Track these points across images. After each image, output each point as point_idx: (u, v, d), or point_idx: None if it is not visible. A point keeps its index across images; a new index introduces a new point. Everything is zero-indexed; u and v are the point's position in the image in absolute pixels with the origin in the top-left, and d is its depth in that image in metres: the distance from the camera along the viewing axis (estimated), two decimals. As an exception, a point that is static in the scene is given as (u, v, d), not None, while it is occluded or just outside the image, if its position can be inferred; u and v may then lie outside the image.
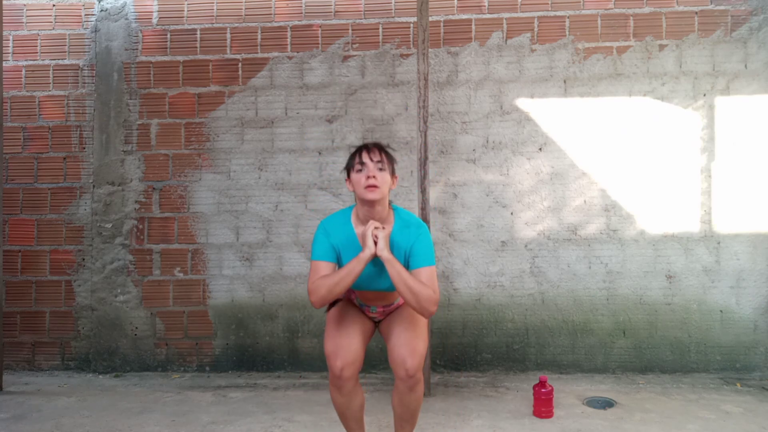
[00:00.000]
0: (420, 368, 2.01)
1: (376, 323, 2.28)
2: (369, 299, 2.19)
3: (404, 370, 1.98)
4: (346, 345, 2.03)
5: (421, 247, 2.03)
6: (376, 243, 1.97)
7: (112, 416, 2.83)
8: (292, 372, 3.56)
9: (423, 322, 2.17)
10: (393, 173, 2.09)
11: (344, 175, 2.15)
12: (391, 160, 2.09)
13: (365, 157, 2.03)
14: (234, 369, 3.61)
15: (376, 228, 1.99)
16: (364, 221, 2.06)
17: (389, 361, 2.06)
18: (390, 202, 2.12)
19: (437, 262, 3.51)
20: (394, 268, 1.94)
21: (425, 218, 3.00)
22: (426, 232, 2.08)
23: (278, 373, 3.57)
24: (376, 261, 2.01)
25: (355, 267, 1.95)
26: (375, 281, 2.08)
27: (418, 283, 1.95)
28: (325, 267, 2.04)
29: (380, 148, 2.06)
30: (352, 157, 2.07)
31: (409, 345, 2.02)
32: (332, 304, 2.25)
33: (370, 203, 2.01)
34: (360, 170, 2.02)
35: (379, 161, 2.03)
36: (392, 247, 2.03)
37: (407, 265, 2.05)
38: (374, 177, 1.99)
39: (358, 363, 2.04)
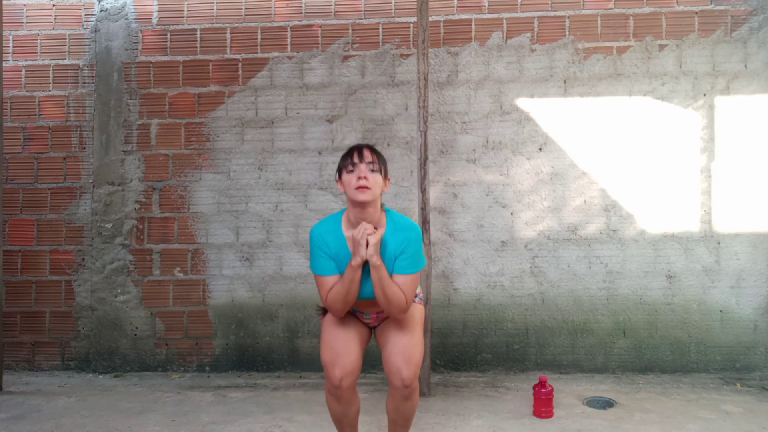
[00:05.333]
0: (416, 377, 1.99)
1: (372, 328, 2.26)
2: (362, 306, 2.16)
3: (400, 380, 1.96)
4: (344, 353, 2.02)
5: (409, 254, 2.01)
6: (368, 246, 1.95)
7: (112, 416, 2.83)
8: (292, 372, 3.56)
9: (419, 329, 2.14)
10: (385, 175, 2.06)
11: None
12: (383, 162, 2.06)
13: (356, 158, 2.00)
14: (234, 369, 3.61)
15: (368, 231, 1.96)
16: (355, 224, 2.02)
17: (384, 369, 2.04)
18: (382, 205, 2.08)
19: (437, 263, 3.51)
20: (378, 274, 1.95)
21: (425, 218, 3.00)
22: (418, 237, 2.04)
23: (278, 373, 3.57)
24: (367, 266, 1.99)
25: (353, 275, 1.96)
26: (366, 287, 2.04)
27: (394, 290, 1.96)
28: (330, 281, 2.03)
29: (372, 150, 2.04)
30: (344, 158, 2.04)
31: (405, 353, 2.00)
32: (327, 310, 2.23)
33: (362, 205, 1.98)
34: (351, 171, 1.99)
35: (371, 162, 2.00)
36: (383, 250, 2.01)
37: (393, 268, 2.02)
38: (366, 178, 1.96)
39: (357, 372, 2.03)
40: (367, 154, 2.01)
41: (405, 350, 2.01)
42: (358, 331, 2.14)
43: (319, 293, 2.07)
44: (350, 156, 2.02)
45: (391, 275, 1.99)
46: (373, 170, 1.99)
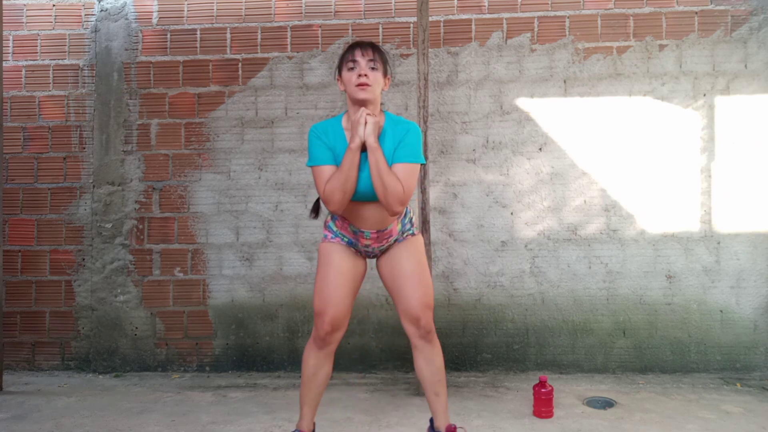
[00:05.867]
0: (432, 319, 2.11)
1: (371, 257, 2.25)
2: (362, 218, 2.12)
3: (422, 328, 2.08)
4: (334, 300, 2.07)
5: (408, 142, 2.02)
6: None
7: (112, 416, 2.83)
8: (292, 372, 3.56)
9: (426, 267, 2.19)
10: (386, 74, 2.06)
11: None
12: (384, 60, 2.06)
13: (358, 55, 1.99)
14: (234, 369, 3.61)
15: (366, 112, 1.96)
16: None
17: (401, 318, 2.12)
18: (382, 105, 2.08)
19: (437, 263, 3.51)
20: (374, 156, 1.94)
21: (425, 218, 3.00)
22: (417, 131, 2.06)
23: (278, 373, 3.57)
24: (365, 159, 1.99)
25: (353, 158, 1.95)
26: (364, 181, 2.02)
27: (392, 178, 1.95)
28: (328, 170, 2.02)
29: (374, 47, 2.03)
30: (344, 54, 2.03)
31: (423, 300, 2.08)
32: (318, 211, 2.27)
33: (362, 102, 1.99)
34: (352, 68, 1.99)
35: (371, 60, 1.99)
36: (381, 141, 2.02)
37: (392, 158, 2.02)
38: (366, 75, 1.96)
39: (346, 321, 2.11)
40: (368, 51, 2.00)
41: (422, 297, 2.09)
42: (351, 274, 2.15)
43: (317, 187, 2.05)
44: (351, 53, 2.01)
45: (390, 167, 2.00)
46: (373, 68, 1.99)
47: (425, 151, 3.01)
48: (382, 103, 2.11)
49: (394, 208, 1.99)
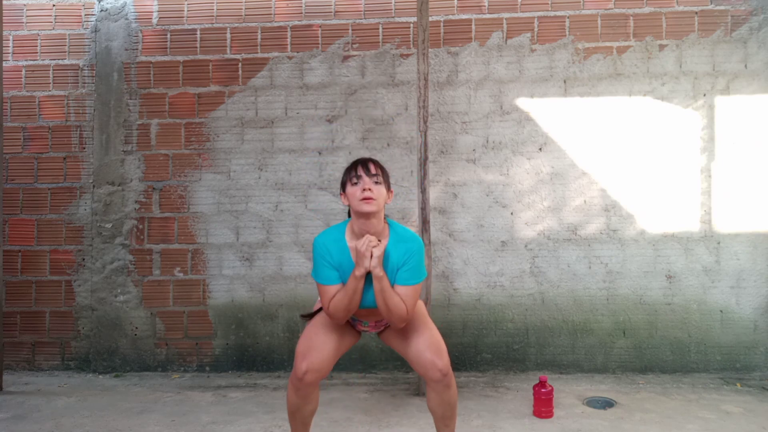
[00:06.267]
0: (449, 364, 2.07)
1: (361, 334, 2.29)
2: (362, 315, 2.18)
3: (438, 371, 2.02)
4: (317, 349, 2.06)
5: (410, 265, 2.04)
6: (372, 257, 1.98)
7: (112, 416, 2.83)
8: (292, 372, 3.56)
9: (431, 321, 2.20)
10: (389, 188, 2.10)
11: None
12: (386, 175, 2.10)
13: (361, 171, 2.03)
14: (234, 369, 3.61)
15: (372, 243, 1.98)
16: (359, 235, 2.04)
17: (417, 368, 2.09)
18: (385, 216, 2.12)
19: (437, 263, 3.51)
20: (380, 284, 1.98)
21: (425, 218, 3.00)
22: (420, 249, 2.07)
23: (278, 373, 3.57)
24: (369, 277, 2.02)
25: (357, 285, 1.99)
26: (367, 297, 2.07)
27: (396, 300, 2.00)
28: (333, 289, 2.05)
29: (376, 163, 2.07)
30: (348, 171, 2.07)
31: (433, 346, 2.06)
32: (312, 317, 2.26)
33: (366, 216, 2.01)
34: (356, 183, 2.02)
35: (375, 175, 2.03)
36: (385, 261, 2.04)
37: (395, 278, 2.05)
38: (370, 189, 1.99)
39: (324, 371, 2.06)
40: (371, 167, 2.05)
41: (432, 344, 2.07)
42: (342, 337, 2.17)
43: (321, 302, 2.11)
44: (354, 169, 2.05)
45: (392, 285, 2.03)
46: (377, 182, 2.03)
47: (425, 151, 3.01)
48: (386, 215, 2.14)
49: (397, 325, 2.06)
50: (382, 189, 2.04)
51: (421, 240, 2.13)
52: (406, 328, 2.14)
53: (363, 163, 2.05)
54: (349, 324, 2.25)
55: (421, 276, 2.07)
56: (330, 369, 2.11)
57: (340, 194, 2.11)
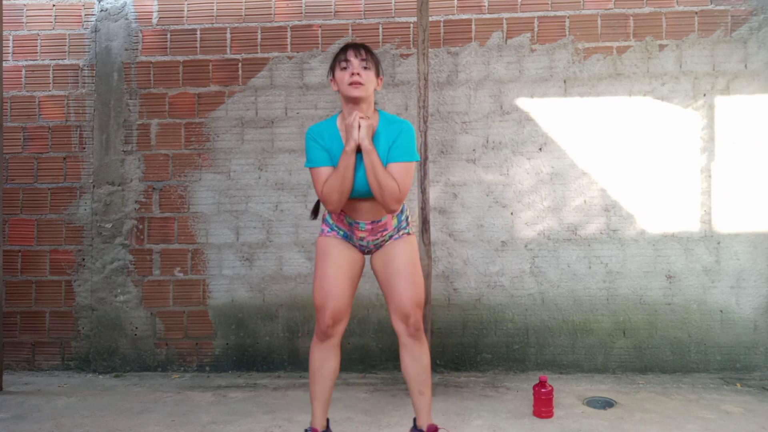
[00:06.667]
0: (421, 318, 2.15)
1: (365, 253, 2.29)
2: (358, 211, 2.17)
3: (411, 326, 2.12)
4: (334, 296, 2.12)
5: (402, 142, 2.07)
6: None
7: (112, 416, 2.83)
8: (292, 372, 3.56)
9: (419, 266, 2.23)
10: (378, 74, 2.12)
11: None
12: (376, 61, 2.12)
13: (350, 55, 2.05)
14: (234, 369, 3.61)
15: (360, 116, 2.02)
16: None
17: (391, 315, 2.16)
18: (375, 104, 2.15)
19: (437, 263, 3.51)
20: (369, 158, 2.00)
21: (425, 218, 3.00)
22: (410, 129, 2.11)
23: (278, 373, 3.57)
24: (361, 157, 2.05)
25: (348, 161, 2.01)
26: (360, 179, 2.08)
27: (388, 178, 2.01)
28: (325, 171, 2.08)
29: (365, 48, 2.09)
30: (337, 55, 2.10)
31: (412, 299, 2.12)
32: (317, 212, 2.33)
33: (355, 101, 2.04)
34: (345, 68, 2.05)
35: (363, 60, 2.06)
36: (376, 141, 2.08)
37: (387, 158, 2.08)
38: (359, 74, 2.02)
39: (346, 318, 2.16)
40: (360, 51, 2.07)
41: (412, 296, 2.13)
42: (350, 266, 2.20)
43: (315, 187, 2.12)
44: (343, 53, 2.07)
45: (385, 166, 2.06)
46: (365, 67, 2.05)
47: (425, 151, 3.01)
48: (376, 102, 2.17)
49: (391, 206, 2.06)
50: (371, 74, 2.06)
51: (411, 124, 2.17)
52: (395, 265, 2.17)
53: (354, 48, 2.07)
54: (348, 243, 2.24)
55: (413, 156, 2.09)
56: (350, 309, 2.19)
57: (330, 80, 2.14)
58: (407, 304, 2.12)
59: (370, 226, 2.19)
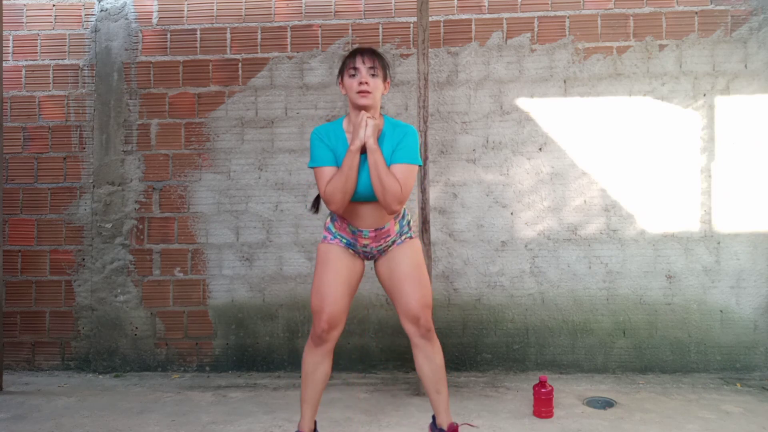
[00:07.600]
0: (431, 318, 2.18)
1: (368, 259, 2.30)
2: (360, 217, 2.18)
3: (421, 326, 2.15)
4: (332, 302, 2.13)
5: (405, 145, 2.10)
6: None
7: (112, 416, 2.83)
8: (292, 372, 3.56)
9: (425, 269, 2.26)
10: (386, 78, 2.15)
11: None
12: (384, 66, 2.15)
13: (359, 62, 2.08)
14: (234, 369, 3.61)
15: (367, 115, 2.05)
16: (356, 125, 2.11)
17: (400, 318, 2.18)
18: (381, 107, 2.19)
19: (437, 263, 3.51)
20: (374, 157, 2.02)
21: (425, 218, 3.00)
22: (414, 134, 2.14)
23: (278, 373, 3.57)
24: (365, 162, 2.08)
25: (353, 160, 2.03)
26: (364, 182, 2.10)
27: (391, 177, 2.03)
28: (329, 171, 2.10)
29: (374, 54, 2.11)
30: (346, 61, 2.12)
31: (420, 301, 2.15)
32: (318, 208, 2.35)
33: (362, 108, 2.08)
34: (353, 75, 2.08)
35: (371, 67, 2.08)
36: (381, 143, 2.10)
37: (391, 160, 2.11)
38: (366, 83, 2.05)
39: (342, 323, 2.17)
40: (368, 58, 2.09)
41: (420, 298, 2.15)
42: (349, 273, 2.21)
43: (318, 187, 2.14)
44: (352, 60, 2.10)
45: (389, 166, 2.09)
46: (373, 75, 2.09)
47: (425, 151, 3.01)
48: (381, 107, 2.18)
49: (393, 207, 2.06)
50: (378, 81, 2.10)
51: (416, 129, 2.20)
52: (401, 269, 2.18)
53: (361, 54, 2.10)
54: (350, 251, 2.25)
55: (417, 159, 2.12)
56: (347, 315, 2.20)
57: (339, 84, 2.17)
58: (416, 306, 2.15)
59: (373, 234, 2.21)
